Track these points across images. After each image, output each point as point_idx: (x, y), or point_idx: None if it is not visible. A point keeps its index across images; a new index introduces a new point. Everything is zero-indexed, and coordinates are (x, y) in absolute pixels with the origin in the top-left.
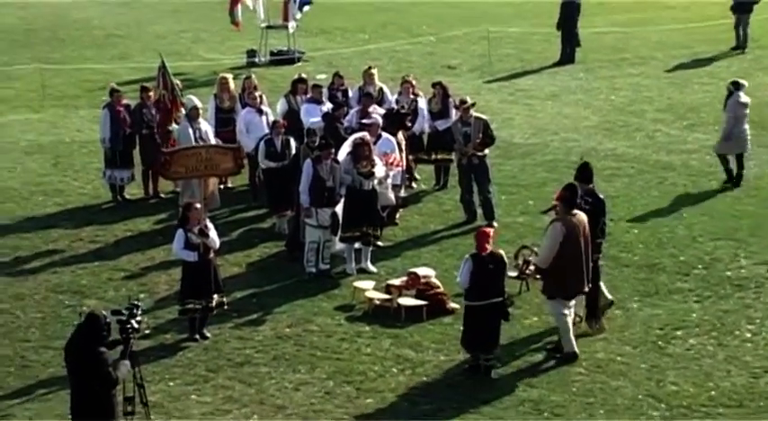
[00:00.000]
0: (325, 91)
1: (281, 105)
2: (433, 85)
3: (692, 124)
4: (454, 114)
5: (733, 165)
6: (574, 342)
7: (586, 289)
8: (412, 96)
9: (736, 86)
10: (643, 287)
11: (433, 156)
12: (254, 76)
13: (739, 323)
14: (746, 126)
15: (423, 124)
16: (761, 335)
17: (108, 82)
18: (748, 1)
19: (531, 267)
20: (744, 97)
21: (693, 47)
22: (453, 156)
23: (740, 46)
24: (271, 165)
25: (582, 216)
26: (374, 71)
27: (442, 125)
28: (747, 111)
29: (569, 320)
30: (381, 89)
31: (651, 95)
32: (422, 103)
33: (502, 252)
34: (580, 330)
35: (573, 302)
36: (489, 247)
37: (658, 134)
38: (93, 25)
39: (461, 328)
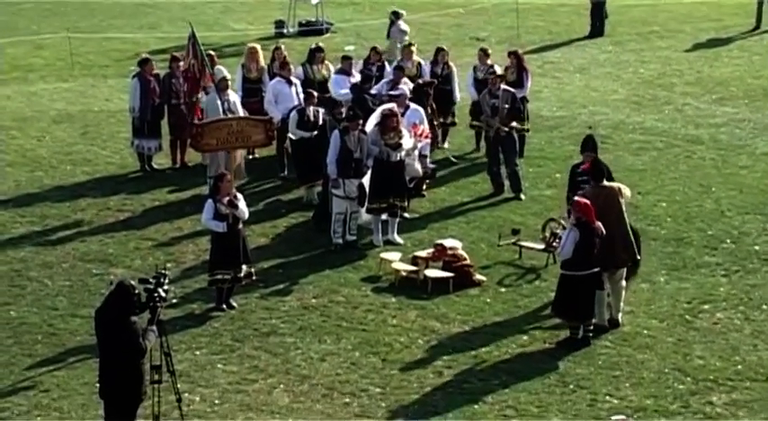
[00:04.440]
0: (360, 64)
1: (297, 73)
2: (509, 55)
3: (720, 98)
4: (529, 83)
5: None
6: (605, 313)
7: (627, 259)
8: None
9: None
10: (671, 261)
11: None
12: (283, 46)
13: (766, 297)
14: None
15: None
16: None
17: (136, 52)
18: None
19: (558, 240)
20: None
21: (723, 20)
22: (527, 125)
23: (759, 26)
24: (303, 134)
25: (612, 186)
26: (413, 47)
27: (517, 95)
28: None
29: (605, 293)
30: (420, 64)
31: (680, 69)
32: (427, 68)
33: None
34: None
35: (622, 278)
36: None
37: (687, 108)
38: None
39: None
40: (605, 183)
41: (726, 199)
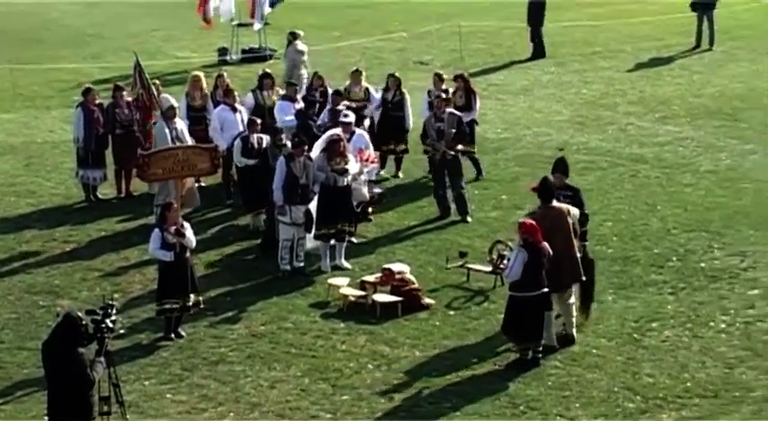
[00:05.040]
0: (303, 91)
1: (248, 100)
2: (455, 79)
3: (663, 117)
4: (478, 106)
5: None
6: (553, 335)
7: (572, 281)
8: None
9: None
10: (618, 280)
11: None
12: (225, 74)
13: (714, 314)
14: None
15: (372, 111)
16: (735, 326)
17: (80, 82)
18: None
19: (506, 262)
20: None
21: (664, 39)
22: (474, 149)
23: (699, 45)
24: (248, 162)
25: (563, 207)
26: (362, 72)
27: (465, 118)
28: None
29: (552, 314)
30: (367, 89)
31: (623, 88)
32: (375, 94)
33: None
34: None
35: (571, 297)
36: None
37: (630, 127)
38: (64, 25)
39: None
40: (554, 203)
41: (671, 217)
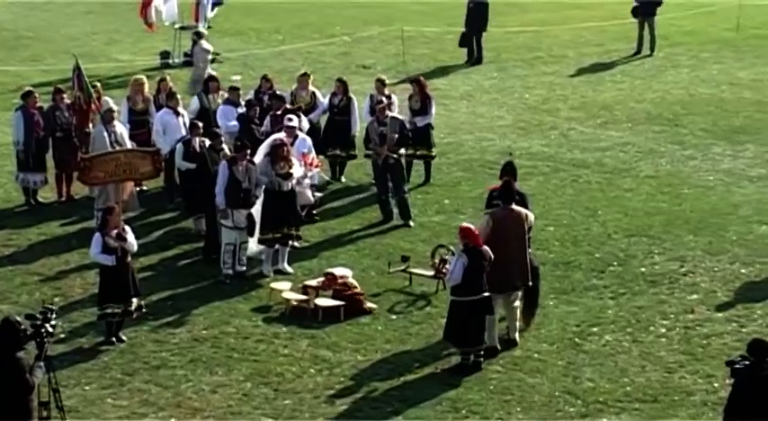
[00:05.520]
0: (251, 94)
1: (193, 104)
2: (411, 82)
3: (605, 122)
4: (434, 110)
5: None
6: (496, 337)
7: (521, 284)
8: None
9: None
10: (559, 284)
11: (411, 152)
12: (168, 77)
13: (654, 319)
14: None
15: (318, 115)
16: (675, 331)
17: (19, 85)
18: (652, 1)
19: (448, 266)
20: None
21: (606, 45)
22: (434, 152)
23: (640, 51)
24: (189, 166)
25: (520, 211)
26: (309, 76)
27: (421, 121)
28: None
29: (495, 317)
30: (314, 93)
31: (565, 94)
32: (322, 98)
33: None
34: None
35: (517, 301)
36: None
37: (572, 132)
38: (3, 27)
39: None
40: (514, 206)
41: (612, 222)
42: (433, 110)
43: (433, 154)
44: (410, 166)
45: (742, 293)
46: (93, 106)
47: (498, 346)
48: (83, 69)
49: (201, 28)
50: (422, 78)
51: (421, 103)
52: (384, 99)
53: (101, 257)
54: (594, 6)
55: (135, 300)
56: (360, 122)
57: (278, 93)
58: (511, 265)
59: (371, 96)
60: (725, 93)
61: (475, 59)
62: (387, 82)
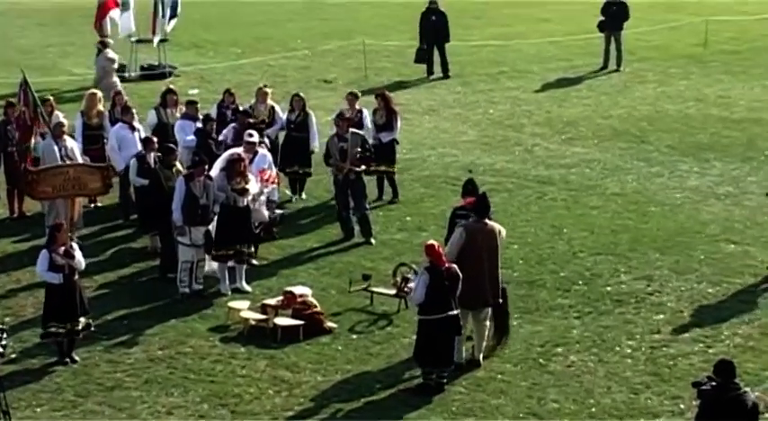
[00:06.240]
0: (214, 108)
1: (150, 118)
2: (376, 97)
3: (570, 138)
4: (399, 125)
5: None
6: (463, 352)
7: (491, 301)
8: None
9: None
10: (523, 304)
11: (374, 168)
12: (123, 91)
13: (619, 339)
14: None
15: (276, 131)
16: (641, 351)
17: None
18: (619, 16)
19: (410, 284)
20: None
21: (571, 60)
22: (395, 169)
23: (606, 66)
24: (143, 183)
25: (494, 226)
26: (268, 90)
27: (386, 137)
28: None
29: (463, 337)
30: (273, 108)
31: (529, 109)
32: (281, 113)
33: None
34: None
35: (486, 320)
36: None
37: (537, 148)
38: None
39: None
40: (488, 221)
41: (577, 240)
42: (399, 125)
43: (394, 170)
44: (382, 182)
45: (709, 313)
46: (38, 121)
47: (463, 361)
48: (30, 84)
49: (157, 40)
50: (386, 92)
51: (386, 119)
52: (346, 113)
53: (47, 275)
54: (560, 20)
55: (82, 320)
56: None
57: (241, 107)
58: (482, 280)
59: (341, 112)
60: (691, 109)
61: (443, 74)
62: (359, 95)
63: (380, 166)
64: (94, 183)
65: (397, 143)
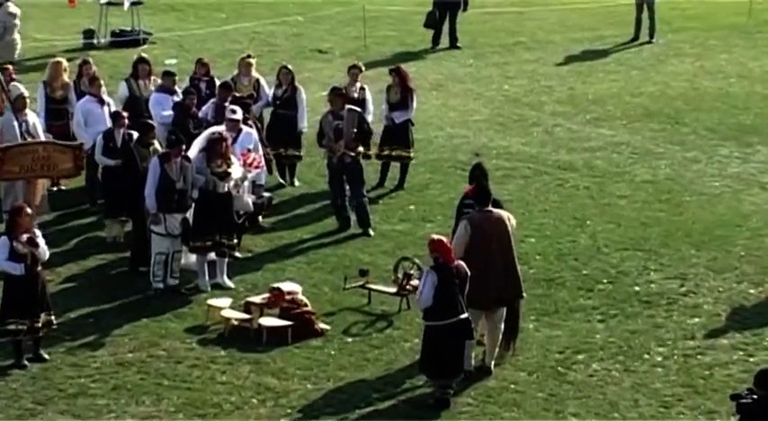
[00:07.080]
0: (187, 81)
1: (121, 90)
2: (391, 72)
3: (596, 118)
4: (415, 105)
5: None
6: (472, 359)
7: (510, 297)
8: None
9: None
10: (540, 305)
11: (386, 152)
12: (92, 60)
13: (648, 345)
14: None
15: (260, 108)
16: (672, 359)
17: None
18: None
19: (413, 282)
20: None
21: (598, 29)
22: (411, 153)
23: (638, 37)
24: (108, 163)
25: (501, 213)
26: (252, 61)
27: (399, 117)
28: None
29: (474, 342)
30: (258, 81)
31: (550, 85)
32: (267, 88)
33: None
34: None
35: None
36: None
37: (558, 129)
38: None
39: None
40: (493, 208)
41: (602, 233)
42: (415, 104)
43: (411, 155)
44: (386, 168)
45: (750, 317)
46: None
47: (472, 369)
48: None
49: (127, 3)
50: (402, 67)
51: (401, 96)
52: (366, 89)
53: (7, 265)
54: None
55: (43, 316)
56: (314, 116)
57: (224, 81)
58: (494, 276)
59: (345, 88)
60: (734, 86)
61: (450, 44)
62: (363, 69)
63: (394, 151)
64: (65, 163)
65: (413, 124)
